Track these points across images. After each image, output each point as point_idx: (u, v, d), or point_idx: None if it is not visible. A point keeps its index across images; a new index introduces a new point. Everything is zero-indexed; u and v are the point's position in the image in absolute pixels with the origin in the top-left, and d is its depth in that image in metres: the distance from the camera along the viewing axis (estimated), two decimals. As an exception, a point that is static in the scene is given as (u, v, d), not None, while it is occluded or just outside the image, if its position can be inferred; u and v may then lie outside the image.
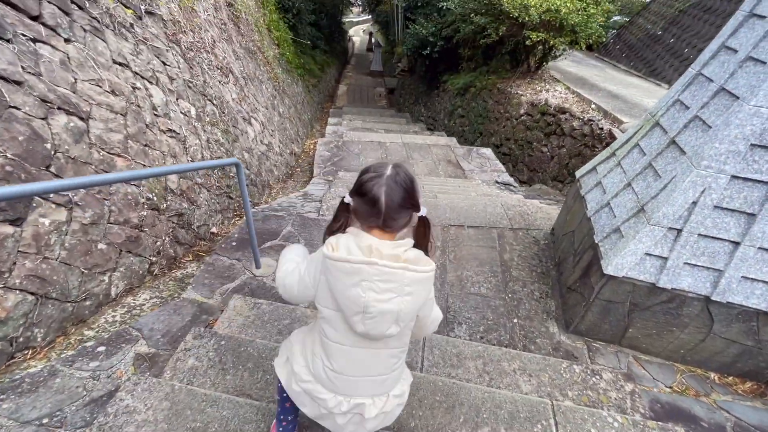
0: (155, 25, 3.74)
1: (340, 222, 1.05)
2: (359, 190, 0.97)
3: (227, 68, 5.04)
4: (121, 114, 2.86)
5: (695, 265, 1.86)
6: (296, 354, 1.14)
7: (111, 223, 2.51)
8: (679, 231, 1.84)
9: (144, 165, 2.93)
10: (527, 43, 6.72)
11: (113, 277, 2.48)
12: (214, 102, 4.35)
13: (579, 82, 7.29)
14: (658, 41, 10.92)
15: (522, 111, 6.61)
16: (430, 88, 12.31)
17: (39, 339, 1.98)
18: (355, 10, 32.70)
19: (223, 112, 4.49)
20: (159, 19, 3.82)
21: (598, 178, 2.49)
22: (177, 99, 3.67)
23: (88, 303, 2.27)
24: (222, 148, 4.17)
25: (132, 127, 2.92)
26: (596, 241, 2.16)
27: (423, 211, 1.00)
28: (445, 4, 8.69)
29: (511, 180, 5.60)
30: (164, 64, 3.66)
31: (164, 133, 3.30)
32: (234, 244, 2.65)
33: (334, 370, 1.04)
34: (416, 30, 10.39)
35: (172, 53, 3.85)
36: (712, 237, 1.81)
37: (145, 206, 2.84)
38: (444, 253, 2.78)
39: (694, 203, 1.79)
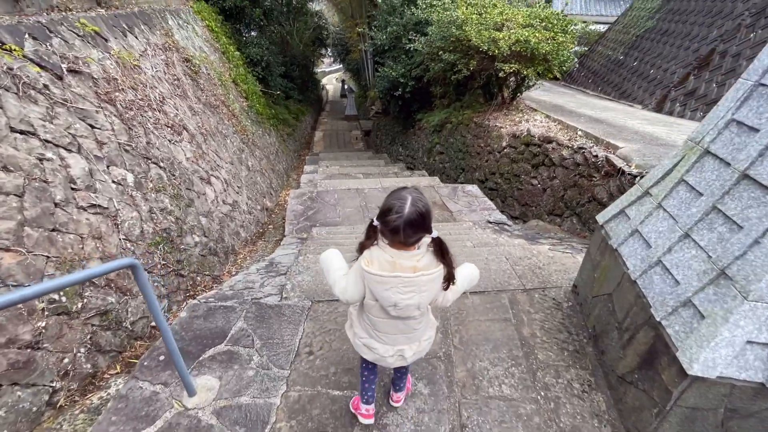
0: (82, 84, 3.16)
1: (372, 240, 1.33)
2: (384, 222, 1.23)
3: (180, 125, 4.47)
4: (15, 195, 2.19)
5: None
6: (355, 321, 1.55)
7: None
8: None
9: (48, 257, 2.23)
10: (500, 75, 6.43)
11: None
12: (161, 164, 3.72)
13: (556, 110, 6.99)
14: (621, 65, 11.01)
15: (504, 143, 6.19)
16: (406, 127, 12.05)
17: None
18: (327, 60, 33.53)
19: (173, 175, 3.85)
20: (87, 78, 3.25)
21: (632, 225, 1.90)
22: (108, 166, 3.02)
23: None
24: (170, 218, 3.49)
25: (31, 210, 2.24)
26: (657, 319, 1.53)
27: (434, 234, 1.28)
28: (411, 46, 8.51)
29: (503, 218, 5.04)
30: (92, 127, 3.05)
31: (85, 210, 2.62)
32: (162, 358, 1.92)
33: (379, 331, 1.46)
34: (386, 72, 10.21)
35: (105, 114, 3.25)
36: None
37: (46, 313, 2.10)
38: (446, 337, 2.10)
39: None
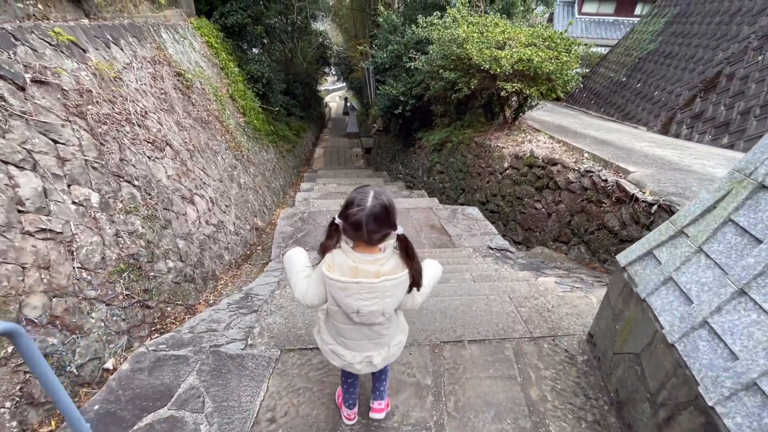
0: (48, 96, 2.88)
1: (333, 240, 1.24)
2: (346, 218, 1.17)
3: (163, 141, 4.19)
4: (-62, 220, 1.87)
5: None
6: (323, 327, 1.48)
7: None
8: None
9: (-27, 292, 1.89)
10: (502, 94, 6.19)
11: None
12: (136, 182, 3.41)
13: (560, 131, 6.73)
14: (624, 87, 10.83)
15: (506, 164, 5.89)
16: (406, 145, 11.83)
17: None
18: (330, 79, 33.79)
19: (149, 194, 3.54)
20: (56, 89, 2.97)
21: (664, 271, 1.55)
22: (69, 185, 2.71)
23: None
24: (140, 242, 3.16)
25: (-42, 237, 1.91)
26: (709, 403, 1.17)
27: (399, 230, 1.22)
28: (412, 64, 8.34)
29: (505, 244, 4.69)
30: (54, 142, 2.75)
31: (31, 235, 2.29)
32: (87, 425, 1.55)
33: (345, 337, 1.38)
34: (386, 90, 10.04)
35: (72, 128, 2.96)
36: None
37: (-40, 362, 1.76)
38: (438, 401, 1.73)
39: None
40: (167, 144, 4.26)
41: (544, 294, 2.55)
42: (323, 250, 1.26)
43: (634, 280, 1.70)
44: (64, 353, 2.24)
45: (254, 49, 12.20)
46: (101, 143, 3.20)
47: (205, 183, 4.86)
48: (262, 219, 6.55)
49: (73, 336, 2.33)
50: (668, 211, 3.07)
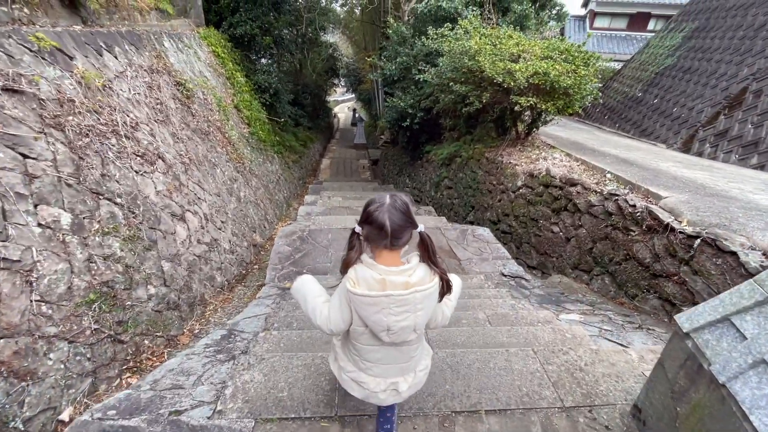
0: (21, 105, 2.60)
1: (355, 251, 1.16)
2: (367, 219, 1.13)
3: (154, 154, 3.90)
4: None
5: None
6: (340, 353, 1.35)
7: None
8: None
9: None
10: (515, 108, 5.85)
11: None
12: (118, 200, 3.10)
13: (576, 148, 6.35)
14: (640, 102, 10.43)
15: (519, 183, 5.52)
16: (414, 158, 11.52)
17: None
18: (339, 90, 33.84)
19: (133, 212, 3.23)
20: (31, 99, 2.69)
21: (752, 349, 1.17)
22: (36, 205, 2.41)
23: None
24: (117, 266, 2.84)
25: None
26: None
27: (421, 227, 1.16)
28: (421, 76, 8.06)
29: (520, 270, 4.29)
30: (24, 156, 2.46)
31: (-21, 266, 1.98)
32: None
33: (370, 361, 1.26)
34: (394, 103, 9.77)
35: (48, 141, 2.67)
36: None
37: None
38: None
39: None
40: (159, 157, 3.97)
41: (573, 346, 2.16)
42: (345, 265, 1.17)
43: (704, 353, 1.31)
44: (8, 406, 1.90)
45: (263, 60, 12.06)
46: (80, 157, 2.90)
47: (200, 198, 4.56)
48: (262, 235, 6.23)
49: (23, 384, 1.99)
50: (713, 245, 2.67)
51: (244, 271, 4.91)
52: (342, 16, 21.27)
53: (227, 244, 4.81)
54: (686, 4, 11.71)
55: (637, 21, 20.02)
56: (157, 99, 4.49)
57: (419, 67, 8.24)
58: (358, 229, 1.16)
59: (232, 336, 2.38)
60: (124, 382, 2.53)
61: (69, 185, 2.71)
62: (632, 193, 3.76)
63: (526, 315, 2.67)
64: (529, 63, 5.52)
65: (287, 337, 2.11)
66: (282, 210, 8.87)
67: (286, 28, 12.83)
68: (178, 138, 4.67)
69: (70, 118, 2.97)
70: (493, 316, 2.62)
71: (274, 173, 9.61)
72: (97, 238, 2.77)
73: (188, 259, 3.78)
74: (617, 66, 14.84)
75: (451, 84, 6.71)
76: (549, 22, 9.26)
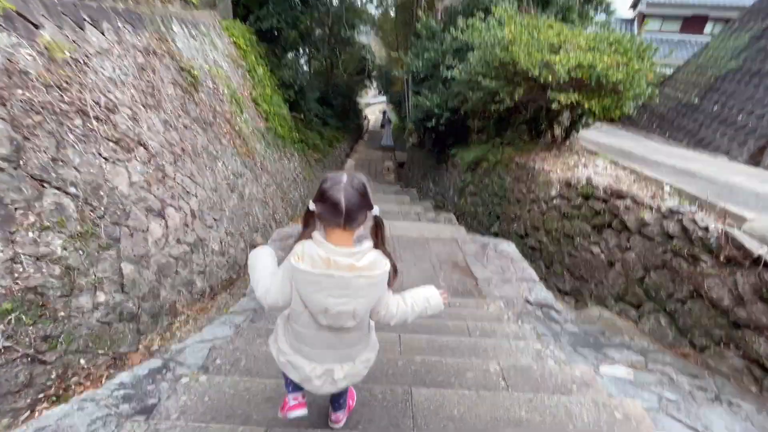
0: (-50, 72, 2.16)
1: (309, 229, 1.12)
2: (322, 197, 1.07)
3: (134, 140, 3.43)
4: None
5: None
6: (280, 335, 1.29)
7: None
8: None
9: None
10: (552, 107, 5.03)
11: None
12: (71, 189, 2.62)
13: (623, 155, 5.45)
14: (696, 110, 9.20)
15: (553, 192, 4.70)
16: (439, 162, 10.78)
17: None
18: (371, 92, 33.49)
19: (91, 204, 2.74)
20: (-32, 65, 2.25)
21: None
22: (-57, 192, 1.94)
23: None
24: (53, 268, 2.34)
25: None
26: None
27: (376, 210, 1.12)
28: (449, 73, 7.35)
29: (549, 298, 3.51)
30: (-63, 132, 2.00)
31: None
32: None
33: (306, 345, 1.21)
34: (420, 102, 9.10)
35: (-20, 116, 2.22)
36: None
37: None
38: None
39: None
40: (140, 144, 3.51)
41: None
42: (299, 239, 1.12)
43: None
44: None
45: (288, 55, 11.71)
46: (25, 137, 2.43)
47: (188, 192, 4.07)
48: (265, 235, 5.73)
49: None
50: (839, 294, 1.83)
51: (233, 276, 4.39)
52: (376, 18, 20.82)
53: (217, 244, 4.31)
54: (756, 2, 10.33)
55: (692, 24, 18.31)
56: (149, 82, 4.05)
57: (447, 64, 7.53)
58: (312, 206, 1.10)
59: (164, 371, 1.81)
60: (37, 413, 2.02)
61: (1, 169, 2.24)
62: (701, 211, 2.91)
63: (557, 371, 1.93)
64: (571, 54, 4.71)
65: (217, 388, 1.51)
66: (296, 209, 8.39)
67: (316, 24, 12.46)
68: (171, 126, 4.22)
69: (19, 91, 2.51)
70: (510, 369, 1.90)
71: (291, 171, 9.17)
72: (30, 234, 2.28)
73: (160, 261, 3.27)
74: (668, 71, 13.45)
75: (480, 79, 5.96)
76: (596, 15, 8.28)
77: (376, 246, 1.13)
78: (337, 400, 1.47)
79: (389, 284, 1.17)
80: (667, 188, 3.52)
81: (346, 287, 1.07)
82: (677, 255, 2.86)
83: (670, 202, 3.19)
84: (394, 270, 1.15)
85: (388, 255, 1.14)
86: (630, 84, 4.58)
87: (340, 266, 1.05)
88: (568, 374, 1.91)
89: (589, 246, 3.86)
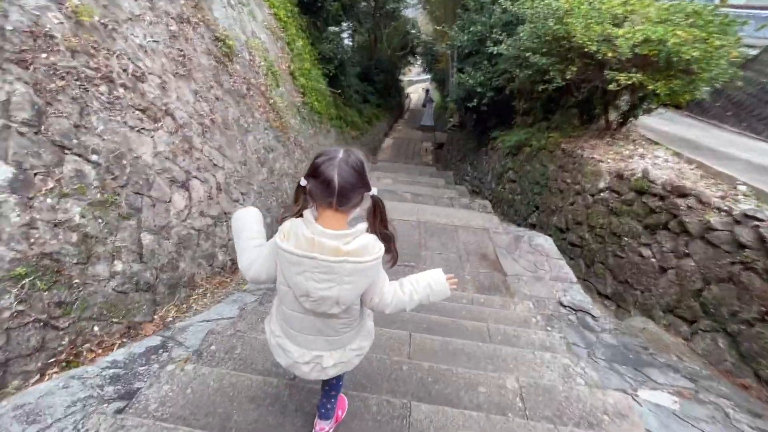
0: (-25, 33, 2.15)
1: (299, 206, 1.05)
2: (314, 172, 0.99)
3: (162, 110, 3.39)
4: None
5: None
6: (274, 315, 1.25)
7: None
8: None
9: None
10: (609, 88, 4.45)
11: None
12: (93, 157, 2.60)
13: (688, 146, 4.79)
14: (784, 97, 7.97)
15: (602, 184, 4.22)
16: (480, 144, 10.23)
17: None
18: (415, 70, 32.48)
19: (113, 173, 2.73)
20: (-8, 27, 2.23)
21: None
22: (-38, 154, 1.94)
23: None
24: (71, 236, 2.34)
25: None
26: None
27: (374, 191, 1.02)
28: (496, 48, 6.79)
29: (586, 301, 3.16)
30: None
31: None
32: None
33: (293, 328, 1.14)
34: (462, 80, 8.57)
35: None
36: None
37: None
38: None
39: None
40: (167, 114, 3.47)
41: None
42: (281, 220, 1.06)
43: None
44: None
45: (330, 28, 11.42)
46: (48, 102, 2.42)
47: (215, 165, 4.04)
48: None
49: None
50: None
51: (257, 251, 4.37)
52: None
53: (242, 218, 4.28)
54: None
55: (789, -2, 15.80)
56: (181, 51, 3.98)
57: (495, 38, 6.95)
58: (303, 182, 1.01)
59: (162, 350, 1.74)
60: (47, 377, 2.05)
61: (21, 133, 2.23)
62: (787, 218, 2.42)
63: (586, 395, 1.66)
64: (637, 28, 4.09)
65: (201, 380, 1.40)
66: (328, 186, 8.32)
67: (360, -2, 12.02)
68: (201, 96, 4.16)
69: (44, 55, 2.48)
70: (530, 388, 1.65)
71: (326, 147, 9.06)
72: (48, 200, 2.28)
73: (181, 233, 3.26)
74: (751, 52, 11.76)
75: (529, 56, 5.42)
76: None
77: (373, 230, 1.05)
78: (324, 405, 1.35)
79: (391, 266, 1.09)
80: (741, 188, 3.00)
81: (329, 271, 0.98)
82: (748, 268, 2.41)
83: (745, 205, 2.70)
84: (395, 254, 1.08)
85: (389, 238, 1.06)
86: (707, 64, 3.92)
87: (325, 249, 0.97)
88: (600, 401, 1.64)
89: (639, 247, 3.42)
